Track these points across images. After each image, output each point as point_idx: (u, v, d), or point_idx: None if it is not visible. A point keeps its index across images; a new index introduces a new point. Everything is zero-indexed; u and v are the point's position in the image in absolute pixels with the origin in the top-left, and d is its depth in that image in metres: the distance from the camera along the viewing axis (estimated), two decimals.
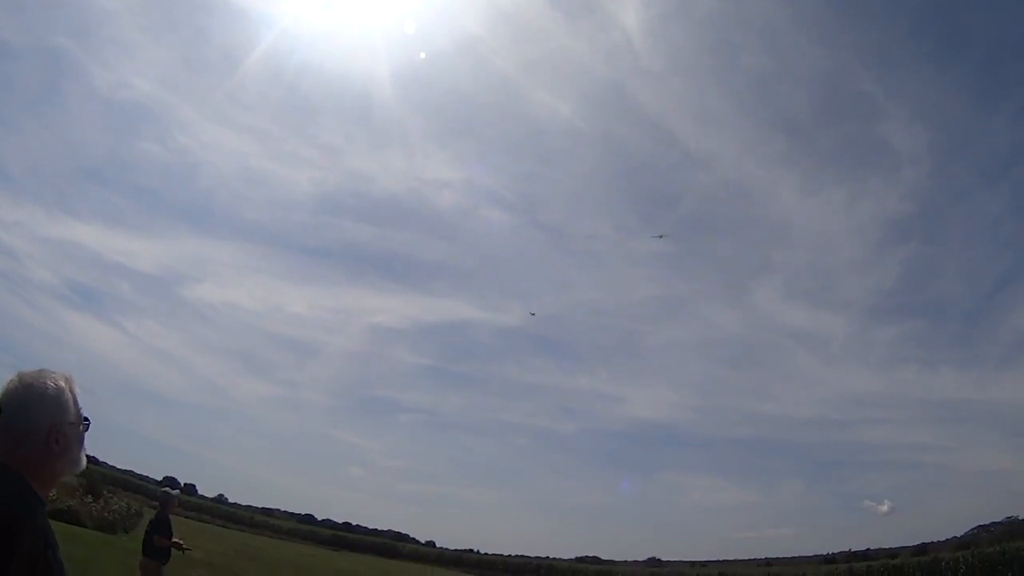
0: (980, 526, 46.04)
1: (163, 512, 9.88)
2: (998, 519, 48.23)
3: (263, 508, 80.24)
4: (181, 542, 9.94)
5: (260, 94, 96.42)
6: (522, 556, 68.75)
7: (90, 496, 24.44)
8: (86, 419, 2.14)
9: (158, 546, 9.53)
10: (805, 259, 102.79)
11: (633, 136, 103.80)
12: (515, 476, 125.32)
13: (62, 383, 2.09)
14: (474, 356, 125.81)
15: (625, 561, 68.88)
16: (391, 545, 69.22)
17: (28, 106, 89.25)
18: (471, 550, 74.14)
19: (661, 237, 79.71)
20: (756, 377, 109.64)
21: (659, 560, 68.61)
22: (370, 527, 76.05)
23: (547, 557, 66.68)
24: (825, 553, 50.63)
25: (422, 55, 74.47)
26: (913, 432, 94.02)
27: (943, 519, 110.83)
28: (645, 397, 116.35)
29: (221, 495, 78.73)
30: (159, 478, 70.49)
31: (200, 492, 74.08)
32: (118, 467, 67.43)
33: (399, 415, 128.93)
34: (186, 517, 47.45)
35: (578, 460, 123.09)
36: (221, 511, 67.12)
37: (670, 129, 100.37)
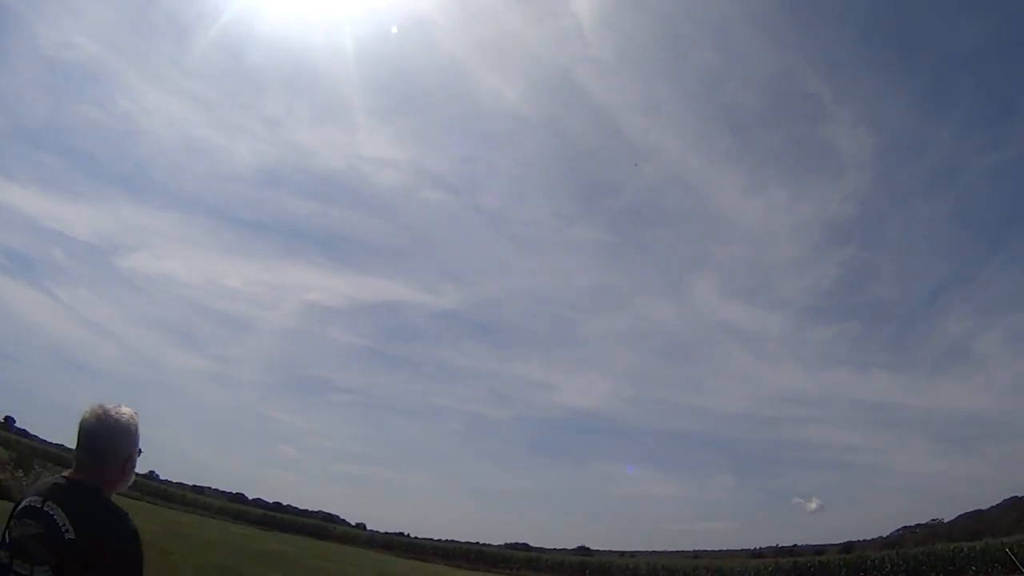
0: (905, 527, 48.21)
1: None
2: (923, 521, 50.59)
3: (194, 486, 77.86)
4: None
5: (206, 62, 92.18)
6: (453, 541, 68.51)
7: (20, 470, 23.27)
8: (141, 450, 2.51)
9: None
10: (744, 256, 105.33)
11: (578, 124, 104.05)
12: (447, 461, 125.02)
13: (136, 419, 2.48)
14: (409, 338, 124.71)
15: (554, 549, 69.48)
16: (321, 526, 67.65)
17: None
18: (402, 533, 73.58)
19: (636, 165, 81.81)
20: (690, 371, 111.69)
21: (588, 549, 69.46)
22: (301, 507, 74.46)
23: (477, 543, 66.77)
24: (753, 548, 52.05)
25: (370, 32, 73.39)
26: (843, 432, 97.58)
27: (869, 519, 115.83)
28: (579, 386, 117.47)
29: (152, 471, 75.81)
30: None
31: None
32: (48, 440, 64.75)
33: (332, 395, 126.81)
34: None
35: (510, 446, 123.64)
36: (151, 487, 64.06)
37: (615, 119, 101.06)
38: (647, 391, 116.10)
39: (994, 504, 55.39)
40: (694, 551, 59.69)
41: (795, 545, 49.69)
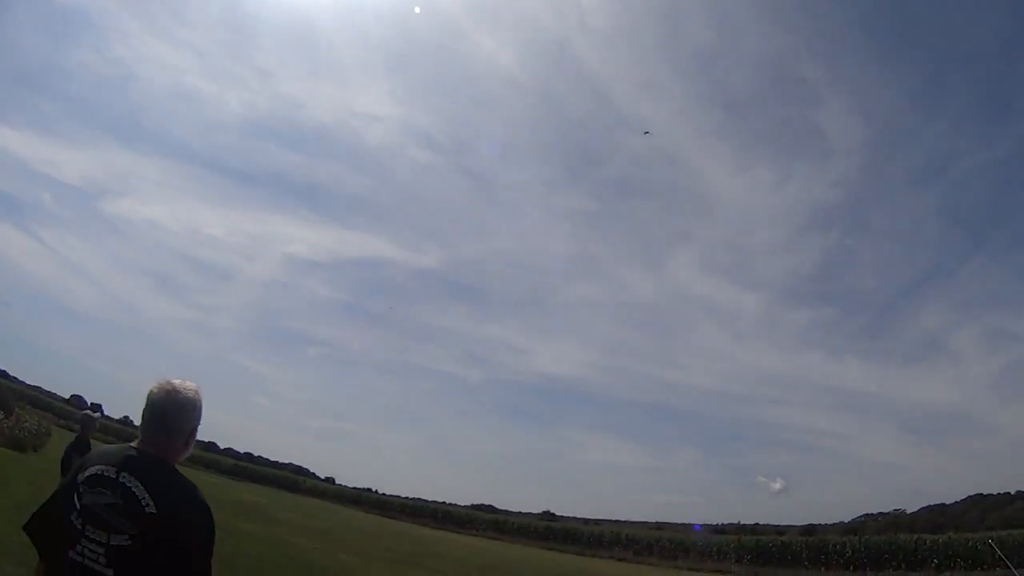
0: (867, 515, 49.70)
1: (84, 434, 9.81)
2: (886, 510, 52.08)
3: None
4: None
5: (201, 10, 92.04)
6: (420, 499, 69.36)
7: (1, 412, 22.55)
8: (199, 424, 2.58)
9: None
10: (726, 234, 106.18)
11: (570, 92, 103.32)
12: (418, 419, 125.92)
13: (200, 394, 2.56)
14: (388, 295, 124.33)
15: (520, 512, 70.61)
16: (292, 479, 68.07)
17: None
18: (370, 489, 74.21)
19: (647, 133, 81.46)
20: (664, 344, 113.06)
21: (553, 514, 70.71)
22: (271, 459, 74.57)
23: (444, 502, 67.65)
24: (715, 523, 53.28)
25: None
26: (812, 416, 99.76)
27: (832, 504, 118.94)
28: (553, 352, 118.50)
29: (127, 417, 75.06)
30: (66, 396, 67.00)
31: (107, 412, 70.50)
32: (27, 382, 63.76)
33: (308, 348, 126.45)
34: (92, 438, 44.69)
35: (482, 409, 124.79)
36: (126, 434, 63.40)
37: (608, 90, 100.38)
38: (620, 361, 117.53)
39: (957, 500, 57.23)
40: (657, 523, 61.15)
41: (756, 524, 50.91)
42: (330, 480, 76.83)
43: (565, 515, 68.81)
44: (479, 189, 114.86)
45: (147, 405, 2.48)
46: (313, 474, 78.56)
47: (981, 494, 55.21)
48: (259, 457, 77.34)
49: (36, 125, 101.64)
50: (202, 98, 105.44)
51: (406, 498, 69.58)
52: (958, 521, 43.46)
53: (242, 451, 78.59)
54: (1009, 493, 54.82)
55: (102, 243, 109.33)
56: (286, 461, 79.07)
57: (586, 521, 62.97)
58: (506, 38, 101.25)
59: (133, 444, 2.43)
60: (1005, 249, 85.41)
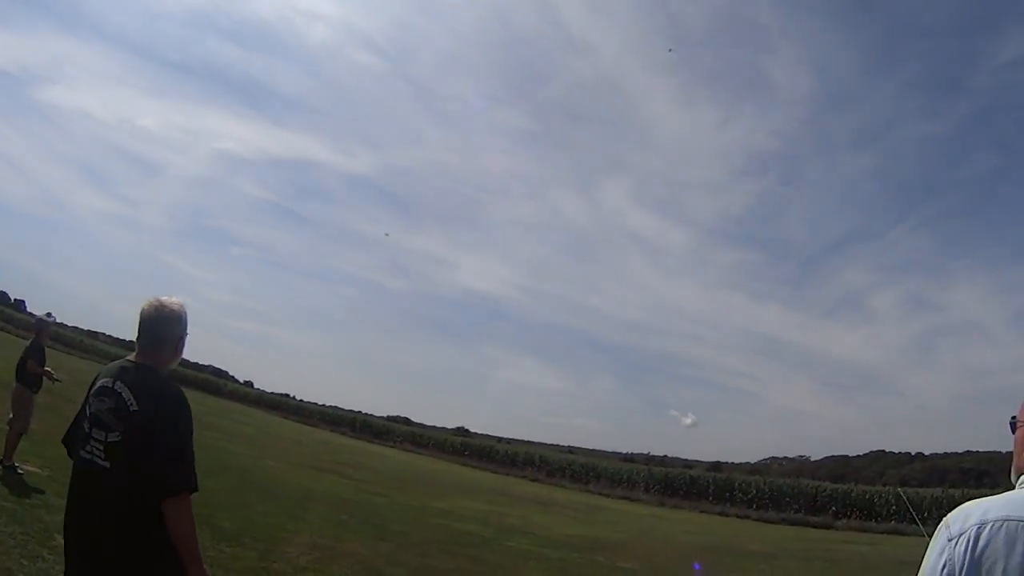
0: (773, 457, 52.61)
1: (38, 340, 9.60)
2: (791, 455, 55.14)
3: (89, 331, 73.55)
4: (52, 372, 9.51)
5: None
6: (337, 408, 69.23)
7: None
8: (186, 334, 2.85)
9: (31, 373, 9.12)
10: (662, 168, 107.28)
11: (520, 8, 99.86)
12: (340, 326, 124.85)
13: (185, 308, 2.84)
14: (317, 198, 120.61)
15: (435, 427, 71.69)
16: (214, 382, 66.12)
17: None
18: (288, 395, 73.49)
19: (670, 51, 79.75)
20: (589, 271, 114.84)
21: (467, 430, 72.31)
22: (192, 360, 71.97)
23: (361, 412, 67.65)
24: (625, 452, 55.40)
25: None
26: (729, 357, 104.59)
27: (740, 443, 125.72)
28: (478, 268, 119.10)
29: (49, 314, 70.03)
30: None
31: (28, 309, 65.94)
32: None
33: (233, 247, 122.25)
34: (15, 335, 42.07)
35: (402, 319, 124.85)
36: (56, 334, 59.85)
37: (558, 9, 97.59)
38: (545, 284, 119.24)
39: (860, 453, 61.12)
40: (568, 447, 63.34)
41: (666, 456, 53.13)
42: (249, 384, 75.51)
43: (478, 432, 70.30)
44: (418, 97, 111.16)
45: (139, 320, 2.74)
46: (233, 377, 77.06)
47: (883, 451, 59.24)
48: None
49: None
50: None
51: (324, 406, 69.38)
52: (859, 474, 46.60)
53: None
54: (909, 453, 59.23)
55: (30, 130, 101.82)
56: (206, 363, 77.21)
57: (499, 439, 64.47)
58: None
59: (130, 357, 2.74)
60: (934, 220, 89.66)
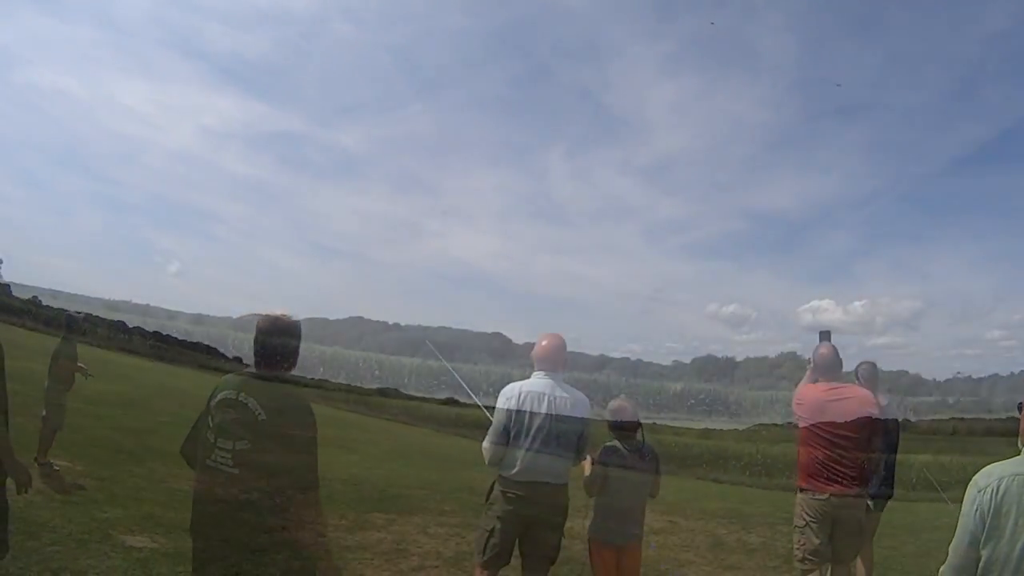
0: (255, 313, 52.90)
1: (70, 336, 9.42)
2: (261, 311, 55.69)
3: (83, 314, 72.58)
4: (85, 367, 9.14)
5: None
6: None
7: None
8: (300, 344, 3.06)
9: (65, 369, 8.93)
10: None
11: None
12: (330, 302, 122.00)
13: (298, 321, 3.01)
14: (302, 170, 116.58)
15: None
16: (209, 361, 65.27)
17: None
18: None
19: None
20: None
21: None
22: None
23: None
24: (107, 298, 49.89)
25: None
26: (224, 204, 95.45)
27: (224, 296, 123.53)
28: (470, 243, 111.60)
29: (35, 297, 68.71)
30: None
31: (14, 293, 64.80)
32: None
33: (216, 226, 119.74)
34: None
35: None
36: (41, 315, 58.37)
37: None
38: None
39: (341, 318, 59.58)
40: None
41: (149, 304, 49.09)
42: (238, 360, 75.45)
43: None
44: (399, 66, 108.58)
45: (256, 334, 2.90)
46: (223, 355, 77.20)
47: (362, 317, 56.76)
48: (169, 336, 74.66)
49: None
50: None
51: None
52: (338, 336, 43.29)
53: (150, 331, 75.47)
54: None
55: (7, 115, 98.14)
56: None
57: None
58: None
59: (249, 368, 2.92)
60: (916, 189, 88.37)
